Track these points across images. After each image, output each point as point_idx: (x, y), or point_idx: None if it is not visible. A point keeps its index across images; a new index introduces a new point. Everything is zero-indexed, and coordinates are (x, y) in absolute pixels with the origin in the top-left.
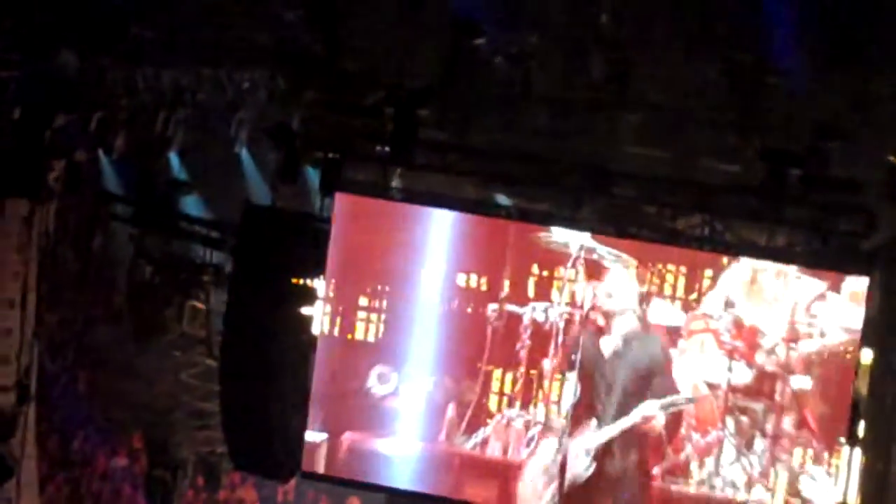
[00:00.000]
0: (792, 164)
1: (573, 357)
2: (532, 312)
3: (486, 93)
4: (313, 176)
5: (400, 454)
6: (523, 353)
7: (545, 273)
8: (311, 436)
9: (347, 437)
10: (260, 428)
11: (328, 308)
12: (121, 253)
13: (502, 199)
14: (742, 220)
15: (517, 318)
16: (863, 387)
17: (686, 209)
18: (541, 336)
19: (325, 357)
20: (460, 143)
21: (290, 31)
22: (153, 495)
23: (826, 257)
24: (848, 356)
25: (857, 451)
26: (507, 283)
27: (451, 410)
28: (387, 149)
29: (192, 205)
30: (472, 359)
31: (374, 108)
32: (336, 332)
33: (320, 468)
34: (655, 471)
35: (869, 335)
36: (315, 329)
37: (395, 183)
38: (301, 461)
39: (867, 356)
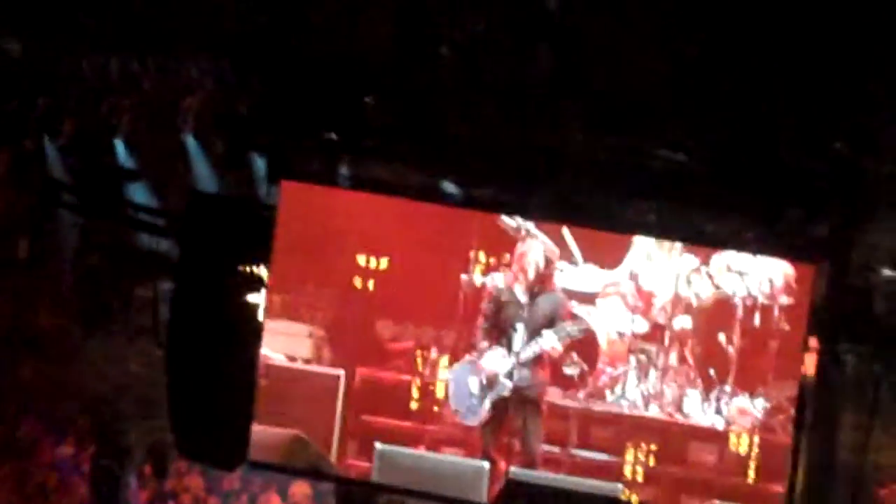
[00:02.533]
0: (741, 152)
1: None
2: (492, 281)
3: (435, 80)
4: (260, 163)
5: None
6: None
7: (492, 260)
8: None
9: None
10: (207, 416)
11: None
12: (67, 241)
13: (450, 187)
14: (690, 207)
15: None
16: (809, 374)
17: (634, 196)
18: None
19: None
20: (408, 130)
21: (238, 18)
22: (100, 484)
23: (774, 244)
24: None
25: (803, 438)
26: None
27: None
28: (334, 136)
29: (138, 192)
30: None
31: (322, 95)
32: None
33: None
34: (580, 395)
35: (815, 322)
36: (261, 317)
37: (343, 170)
38: (248, 449)
39: (813, 343)
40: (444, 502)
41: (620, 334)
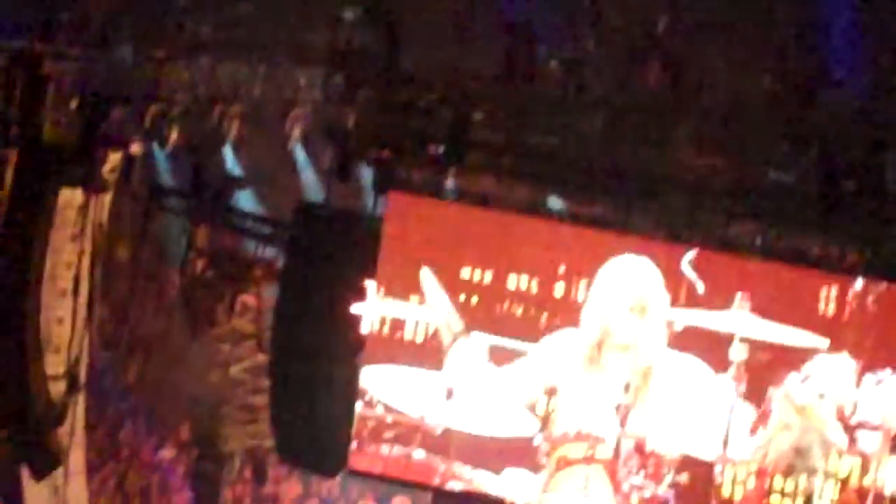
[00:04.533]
0: (846, 175)
1: None
2: None
3: (541, 96)
4: (367, 174)
5: None
6: None
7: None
8: None
9: None
10: (307, 423)
11: (378, 307)
12: (173, 246)
13: (555, 203)
14: (795, 229)
15: None
16: None
17: (739, 217)
18: None
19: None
20: (514, 145)
21: (348, 30)
22: (200, 488)
23: (878, 268)
24: None
25: None
26: (560, 286)
27: None
28: (441, 149)
29: (245, 200)
30: None
31: (430, 109)
32: (385, 331)
33: None
34: None
35: None
36: (365, 328)
37: (449, 183)
38: (348, 457)
39: None
40: None
41: None
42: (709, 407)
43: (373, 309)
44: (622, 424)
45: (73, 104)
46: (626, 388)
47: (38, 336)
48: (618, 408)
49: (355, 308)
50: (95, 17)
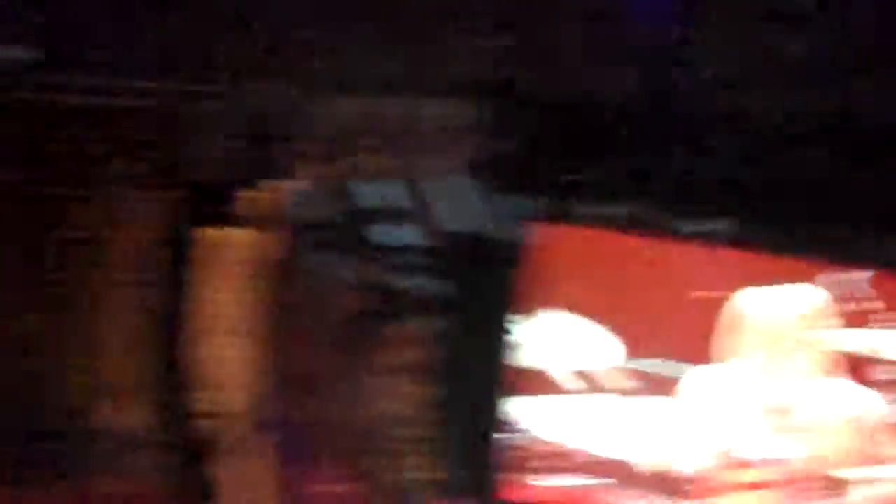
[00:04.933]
0: None
1: None
2: None
3: (677, 120)
4: (518, 205)
5: None
6: None
7: None
8: None
9: None
10: (468, 455)
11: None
12: (326, 281)
13: (690, 225)
14: None
15: None
16: None
17: None
18: None
19: None
20: (648, 169)
21: (495, 59)
22: None
23: None
24: None
25: None
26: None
27: None
28: (579, 176)
29: (396, 232)
30: None
31: (566, 136)
32: (537, 360)
33: None
34: None
35: None
36: (518, 357)
37: (588, 210)
38: (503, 488)
39: None
40: None
41: None
42: (870, 428)
43: (525, 338)
44: (788, 448)
45: (229, 142)
46: (789, 412)
47: (201, 375)
48: (782, 431)
49: (508, 337)
50: (247, 56)
